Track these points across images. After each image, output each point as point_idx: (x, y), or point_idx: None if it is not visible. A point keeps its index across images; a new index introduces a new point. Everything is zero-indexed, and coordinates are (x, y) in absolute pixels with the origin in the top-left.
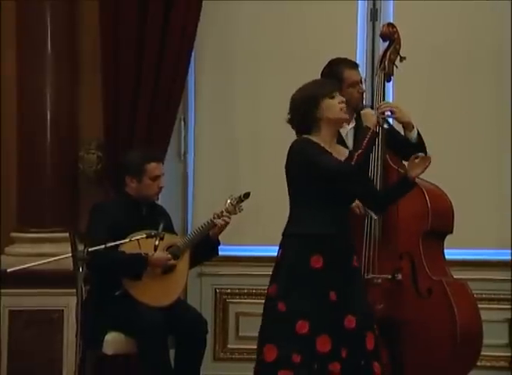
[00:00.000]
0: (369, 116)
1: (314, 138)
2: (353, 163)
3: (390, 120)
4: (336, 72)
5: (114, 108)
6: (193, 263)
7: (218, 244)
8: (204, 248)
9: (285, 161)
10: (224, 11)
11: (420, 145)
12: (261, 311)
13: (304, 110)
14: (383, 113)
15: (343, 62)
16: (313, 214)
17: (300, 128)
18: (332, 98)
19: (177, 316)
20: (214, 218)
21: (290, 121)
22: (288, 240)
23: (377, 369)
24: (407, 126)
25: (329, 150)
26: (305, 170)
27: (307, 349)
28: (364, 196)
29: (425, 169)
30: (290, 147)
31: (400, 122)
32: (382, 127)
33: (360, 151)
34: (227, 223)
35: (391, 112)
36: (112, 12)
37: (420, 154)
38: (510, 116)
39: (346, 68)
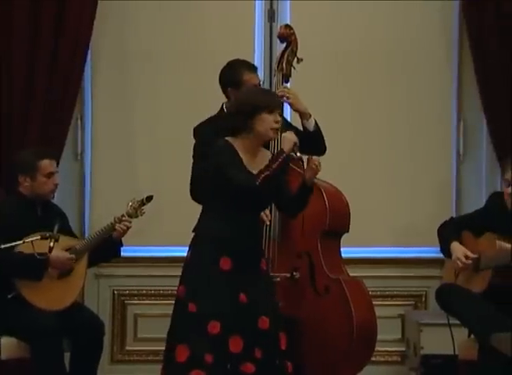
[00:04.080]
0: (287, 141)
1: (236, 143)
2: (257, 183)
3: (288, 112)
4: (236, 73)
5: (6, 108)
6: (92, 263)
7: (121, 245)
8: (106, 248)
9: (184, 160)
10: (120, 10)
11: (318, 135)
12: (160, 312)
13: (240, 116)
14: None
15: (244, 64)
16: (222, 216)
17: (230, 128)
18: (271, 113)
19: (73, 318)
20: (115, 221)
21: (226, 118)
22: (197, 240)
23: (289, 368)
24: (304, 115)
25: (248, 158)
26: (215, 175)
27: (220, 349)
28: (275, 202)
29: (314, 170)
30: (213, 147)
31: (294, 109)
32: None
33: (267, 173)
34: (128, 228)
35: (286, 97)
36: (4, 12)
37: (314, 157)
38: (403, 116)
39: (246, 71)
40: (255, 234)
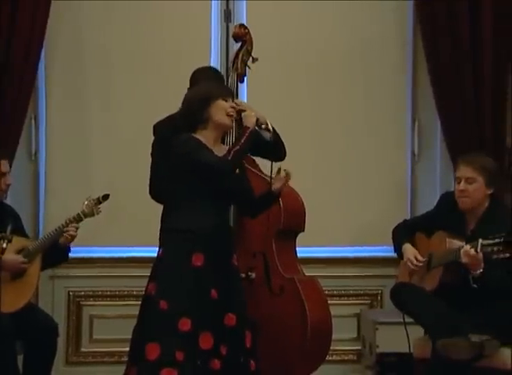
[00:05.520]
0: (249, 117)
1: (196, 136)
2: (229, 158)
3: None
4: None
5: None
6: (42, 267)
7: (69, 250)
8: (54, 252)
9: (140, 160)
10: (75, 8)
11: (276, 143)
12: (116, 313)
13: (195, 108)
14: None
15: (213, 76)
16: (193, 211)
17: (187, 125)
18: (225, 101)
19: (26, 319)
20: (69, 221)
21: (180, 116)
22: (168, 236)
23: (253, 367)
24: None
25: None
26: (185, 165)
27: (190, 346)
28: (241, 197)
29: (284, 184)
30: (172, 142)
31: None
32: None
33: (237, 147)
34: (73, 236)
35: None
36: None
37: (285, 170)
38: (358, 116)
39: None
40: (228, 228)
